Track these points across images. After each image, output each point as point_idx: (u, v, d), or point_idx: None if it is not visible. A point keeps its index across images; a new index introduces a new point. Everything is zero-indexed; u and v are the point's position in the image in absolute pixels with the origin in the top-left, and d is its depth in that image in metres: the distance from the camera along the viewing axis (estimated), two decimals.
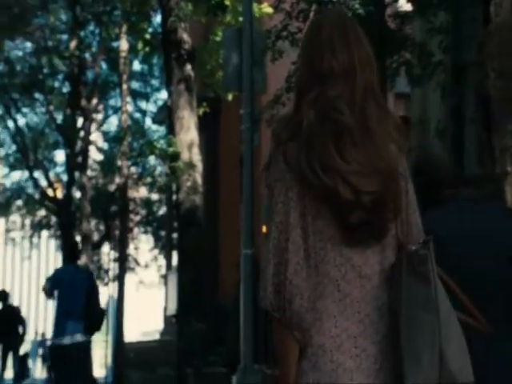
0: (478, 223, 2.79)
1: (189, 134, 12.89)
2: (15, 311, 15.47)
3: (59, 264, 22.84)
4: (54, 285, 7.81)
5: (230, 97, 13.00)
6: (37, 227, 27.31)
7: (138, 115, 24.39)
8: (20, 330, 15.04)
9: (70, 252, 8.68)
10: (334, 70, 1.95)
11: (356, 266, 1.90)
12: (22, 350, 15.66)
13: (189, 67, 13.05)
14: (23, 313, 16.90)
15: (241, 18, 9.64)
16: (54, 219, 25.58)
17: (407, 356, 1.85)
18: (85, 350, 7.83)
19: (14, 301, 15.40)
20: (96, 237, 24.57)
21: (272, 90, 9.00)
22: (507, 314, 2.67)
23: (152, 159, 20.95)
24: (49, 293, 7.82)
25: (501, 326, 2.59)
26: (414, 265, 1.87)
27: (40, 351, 29.18)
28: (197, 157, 13.00)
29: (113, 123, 50.28)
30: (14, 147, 25.48)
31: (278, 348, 1.91)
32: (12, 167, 26.06)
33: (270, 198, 1.91)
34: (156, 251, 26.12)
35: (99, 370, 24.68)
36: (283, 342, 1.89)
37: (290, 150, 1.91)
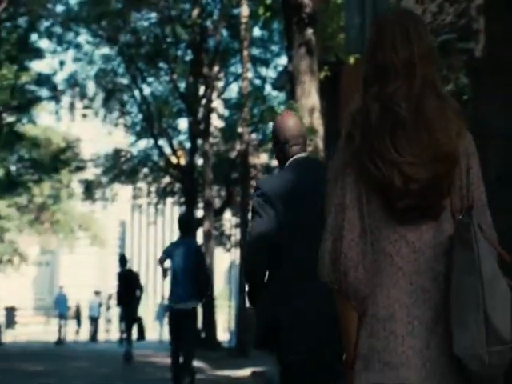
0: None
1: (310, 98, 12.78)
2: (133, 275, 15.87)
3: None
4: (168, 256, 8.74)
5: (351, 60, 12.80)
6: (162, 194, 28.08)
7: (258, 81, 24.54)
8: (137, 293, 15.50)
9: (183, 226, 9.27)
10: (395, 65, 2.11)
11: (410, 241, 2.06)
12: (140, 312, 16.25)
13: (310, 31, 12.91)
14: (148, 278, 17.46)
15: None
16: (177, 186, 26.18)
17: (454, 320, 1.97)
18: (194, 313, 8.80)
19: (142, 265, 15.98)
20: (218, 203, 24.96)
21: None
22: None
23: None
24: (162, 263, 8.74)
25: None
26: (459, 233, 2.01)
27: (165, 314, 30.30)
28: (318, 121, 12.90)
29: (233, 90, 50.65)
30: (139, 116, 26.28)
31: (340, 317, 2.10)
32: (138, 135, 26.86)
33: (331, 183, 2.12)
34: None
35: (223, 334, 25.25)
36: (343, 311, 2.09)
37: (353, 142, 2.10)
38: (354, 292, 2.04)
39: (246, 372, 13.89)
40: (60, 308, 26.47)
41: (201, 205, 24.01)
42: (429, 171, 2.03)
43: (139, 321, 15.95)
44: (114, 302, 29.73)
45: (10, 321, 32.51)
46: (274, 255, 3.58)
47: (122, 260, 15.82)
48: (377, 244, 2.07)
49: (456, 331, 1.96)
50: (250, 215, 3.76)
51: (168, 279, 8.83)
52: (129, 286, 15.30)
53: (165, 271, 8.75)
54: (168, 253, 8.78)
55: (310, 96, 12.83)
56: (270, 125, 20.45)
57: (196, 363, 16.30)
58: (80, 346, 24.25)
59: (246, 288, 3.79)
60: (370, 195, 2.08)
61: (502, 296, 1.96)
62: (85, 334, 30.11)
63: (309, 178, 3.72)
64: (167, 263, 8.66)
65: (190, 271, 8.53)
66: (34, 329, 35.13)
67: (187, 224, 9.65)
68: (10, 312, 33.01)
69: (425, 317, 2.03)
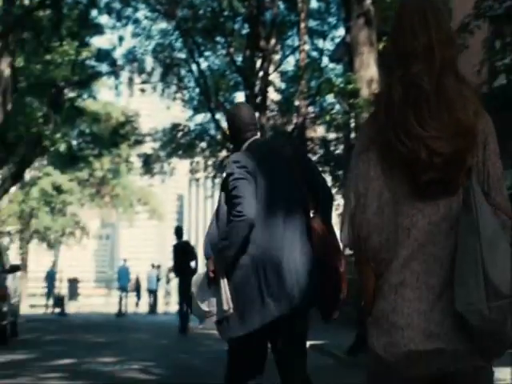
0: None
1: (368, 70, 12.59)
2: (189, 247, 15.93)
3: None
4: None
5: None
6: (219, 168, 28.18)
7: (315, 54, 24.29)
8: (192, 264, 15.50)
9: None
10: (416, 50, 2.26)
11: (426, 215, 2.21)
12: None
13: (368, 1, 12.68)
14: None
15: None
16: None
17: (457, 280, 2.10)
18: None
19: (199, 238, 16.25)
20: None
21: (458, 17, 8.53)
22: None
23: (330, 97, 20.79)
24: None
25: None
26: (463, 198, 2.15)
27: None
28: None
29: (290, 63, 50.26)
30: (197, 90, 26.33)
31: (359, 278, 2.27)
32: (196, 110, 26.94)
33: (355, 157, 2.27)
34: (334, 191, 26.12)
35: None
36: (362, 273, 2.26)
37: (379, 121, 2.24)
38: (374, 256, 2.21)
39: None
40: (121, 280, 26.90)
41: None
42: (451, 145, 2.15)
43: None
44: (173, 274, 30.15)
45: (73, 292, 33.27)
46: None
47: (179, 232, 15.98)
48: (396, 218, 2.21)
49: (457, 288, 2.09)
50: (231, 186, 3.85)
51: None
52: (185, 258, 15.37)
53: None
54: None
55: (369, 67, 12.64)
56: (328, 97, 20.23)
57: None
58: (140, 318, 24.64)
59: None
60: (393, 171, 2.21)
61: (502, 253, 2.05)
62: (144, 306, 30.58)
63: (273, 155, 4.03)
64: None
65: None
66: (96, 300, 35.89)
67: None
68: (73, 284, 33.76)
69: (434, 283, 2.18)
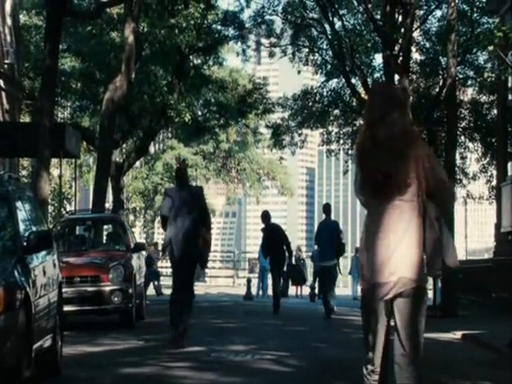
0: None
1: None
2: (278, 230, 17.25)
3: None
4: (318, 234, 16.53)
5: None
6: (354, 138, 27.48)
7: (465, 7, 23.07)
8: (283, 247, 17.05)
9: (326, 210, 16.80)
10: (376, 119, 4.50)
11: (385, 205, 4.41)
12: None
13: None
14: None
15: None
16: None
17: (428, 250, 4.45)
18: (334, 268, 16.50)
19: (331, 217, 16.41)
20: None
21: None
22: None
23: (482, 55, 19.73)
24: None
25: None
26: (428, 212, 4.53)
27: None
28: None
29: (435, 18, 48.29)
30: (330, 53, 25.75)
31: None
32: (329, 74, 26.36)
33: (356, 170, 4.60)
34: (485, 161, 25.01)
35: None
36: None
37: (359, 156, 4.58)
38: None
39: (455, 335, 13.18)
40: (263, 261, 26.50)
41: None
42: (394, 168, 4.40)
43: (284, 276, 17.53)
44: (303, 254, 29.91)
45: (200, 273, 33.67)
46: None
47: (265, 216, 17.31)
48: (370, 207, 4.56)
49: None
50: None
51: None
52: (274, 241, 16.80)
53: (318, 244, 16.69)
54: (318, 232, 16.41)
55: None
56: (480, 55, 19.06)
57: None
58: (268, 302, 24.49)
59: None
60: (365, 183, 4.54)
61: (445, 238, 4.50)
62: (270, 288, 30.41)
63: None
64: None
65: (332, 242, 15.88)
66: (222, 281, 36.18)
67: (329, 209, 16.73)
68: None
69: (391, 239, 4.36)
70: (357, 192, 4.52)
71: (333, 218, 17.71)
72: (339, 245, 16.10)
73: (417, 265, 4.30)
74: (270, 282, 24.65)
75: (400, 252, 4.28)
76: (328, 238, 15.79)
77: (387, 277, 4.28)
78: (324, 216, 16.60)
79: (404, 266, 4.27)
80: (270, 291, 28.72)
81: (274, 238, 16.91)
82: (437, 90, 23.82)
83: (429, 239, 4.34)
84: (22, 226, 7.21)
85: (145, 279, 15.78)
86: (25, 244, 6.96)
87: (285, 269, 18.30)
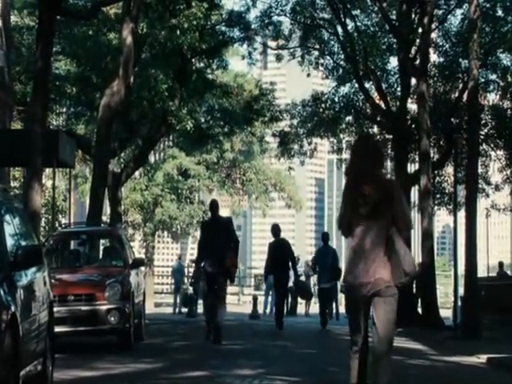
0: None
1: None
2: (285, 245, 17.79)
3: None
4: (317, 259, 20.09)
5: None
6: None
7: (487, 5, 22.96)
8: (289, 264, 17.70)
9: (325, 238, 20.05)
10: (360, 169, 6.50)
11: (366, 226, 6.37)
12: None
13: None
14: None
15: None
16: (387, 136, 25.44)
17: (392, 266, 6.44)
18: (331, 289, 20.43)
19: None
20: (436, 155, 24.27)
21: None
22: None
23: (505, 57, 19.63)
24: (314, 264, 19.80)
25: None
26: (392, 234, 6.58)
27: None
28: None
29: (456, 17, 48.15)
30: (342, 56, 25.66)
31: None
32: (340, 79, 26.25)
33: (343, 197, 6.65)
34: (509, 170, 24.96)
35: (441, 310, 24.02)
36: None
37: (347, 186, 6.63)
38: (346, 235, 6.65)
39: (479, 358, 12.95)
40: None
41: (415, 157, 23.46)
42: (378, 196, 6.36)
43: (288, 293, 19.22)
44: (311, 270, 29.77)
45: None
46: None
47: (275, 229, 18.08)
48: (353, 228, 6.43)
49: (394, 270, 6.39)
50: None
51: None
52: (280, 256, 17.42)
53: (314, 268, 19.70)
54: (317, 257, 19.78)
55: None
56: (502, 56, 18.99)
57: (415, 345, 15.60)
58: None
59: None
60: (350, 206, 6.47)
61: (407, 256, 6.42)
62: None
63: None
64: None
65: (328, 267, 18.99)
66: (227, 299, 35.91)
67: (327, 238, 20.01)
68: None
69: (370, 257, 6.32)
70: (342, 229, 6.61)
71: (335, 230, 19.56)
72: (336, 270, 19.20)
73: (387, 270, 6.27)
74: None
75: (375, 261, 6.30)
76: (326, 263, 19.21)
77: (368, 278, 6.23)
78: (322, 243, 19.22)
79: (378, 271, 6.25)
80: None
81: (278, 255, 17.63)
82: (456, 94, 23.78)
83: (391, 254, 6.32)
84: (9, 241, 7.03)
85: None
86: (12, 260, 6.78)
87: (291, 285, 19.34)
